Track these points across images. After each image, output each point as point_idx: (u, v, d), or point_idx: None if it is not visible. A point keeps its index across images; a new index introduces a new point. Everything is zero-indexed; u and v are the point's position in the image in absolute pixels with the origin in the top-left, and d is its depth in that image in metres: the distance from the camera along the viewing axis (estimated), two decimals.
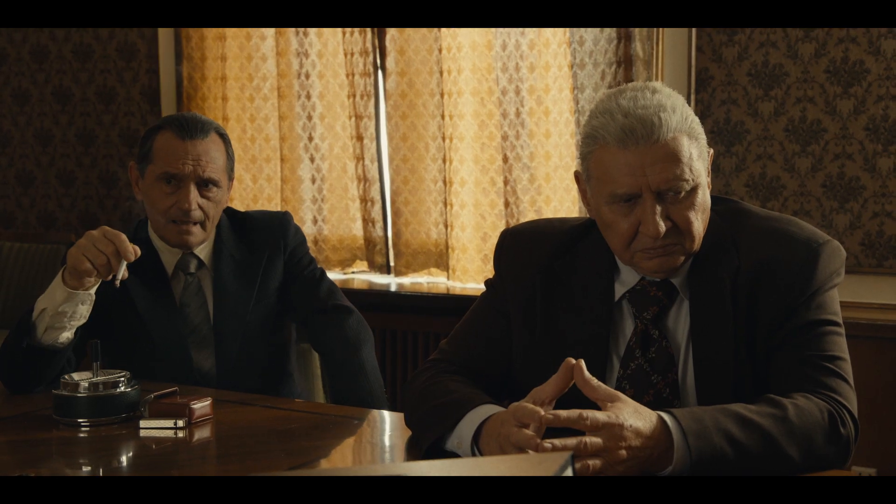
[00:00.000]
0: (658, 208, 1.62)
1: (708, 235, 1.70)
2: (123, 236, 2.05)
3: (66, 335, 2.12)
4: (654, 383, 1.69)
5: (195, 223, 2.30)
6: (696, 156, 1.64)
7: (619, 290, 1.75)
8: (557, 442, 1.42)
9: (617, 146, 1.62)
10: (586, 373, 1.50)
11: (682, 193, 1.63)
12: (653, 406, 1.53)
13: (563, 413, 1.45)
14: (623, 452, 1.43)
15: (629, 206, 1.64)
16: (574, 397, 1.53)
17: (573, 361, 1.51)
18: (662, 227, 1.62)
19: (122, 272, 2.05)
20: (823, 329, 1.66)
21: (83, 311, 2.11)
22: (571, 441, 1.42)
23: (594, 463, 1.41)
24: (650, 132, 1.60)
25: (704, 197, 1.67)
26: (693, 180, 1.63)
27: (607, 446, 1.42)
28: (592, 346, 1.73)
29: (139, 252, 2.06)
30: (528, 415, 1.48)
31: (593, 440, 1.42)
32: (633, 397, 1.61)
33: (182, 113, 2.34)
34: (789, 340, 1.65)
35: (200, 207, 2.29)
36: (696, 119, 1.67)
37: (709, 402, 1.63)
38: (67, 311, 2.08)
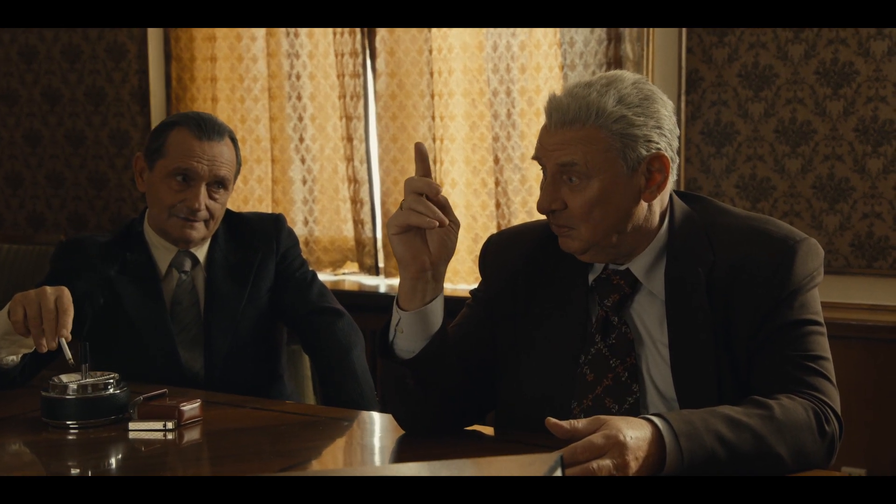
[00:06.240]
0: (554, 187, 1.68)
1: (683, 228, 1.73)
2: (54, 320, 1.95)
3: (12, 358, 2.11)
4: (613, 367, 1.71)
5: (200, 220, 2.31)
6: (602, 148, 1.65)
7: (591, 279, 1.78)
8: (577, 469, 1.39)
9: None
10: (562, 424, 1.45)
11: (574, 179, 1.67)
12: (613, 390, 1.54)
13: (567, 454, 1.40)
14: (633, 464, 1.42)
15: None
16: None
17: (551, 422, 1.46)
18: (549, 200, 1.68)
19: (67, 350, 1.95)
20: (806, 329, 1.67)
21: (25, 343, 2.07)
22: (579, 470, 1.39)
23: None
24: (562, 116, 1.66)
25: (604, 191, 1.66)
26: (588, 171, 1.65)
27: (617, 463, 1.41)
28: (563, 331, 1.75)
29: (53, 346, 1.95)
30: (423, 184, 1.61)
31: (601, 463, 1.40)
32: (593, 381, 1.66)
33: (198, 112, 2.36)
34: (772, 340, 1.66)
35: (207, 208, 2.30)
36: (644, 122, 1.66)
37: (687, 391, 1.65)
38: (9, 338, 2.06)
